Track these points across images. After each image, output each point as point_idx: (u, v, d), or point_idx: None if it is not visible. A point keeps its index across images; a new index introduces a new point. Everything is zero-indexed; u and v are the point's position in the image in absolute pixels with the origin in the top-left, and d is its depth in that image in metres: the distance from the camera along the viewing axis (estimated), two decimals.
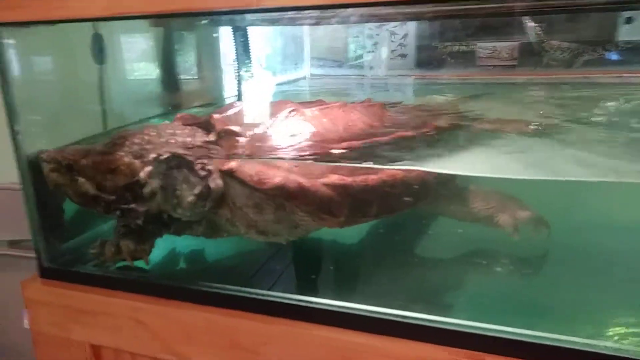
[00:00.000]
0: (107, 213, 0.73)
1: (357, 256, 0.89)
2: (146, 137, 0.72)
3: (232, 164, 0.69)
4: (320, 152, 0.73)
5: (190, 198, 0.69)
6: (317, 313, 0.64)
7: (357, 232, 0.88)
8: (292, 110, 0.79)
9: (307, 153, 0.72)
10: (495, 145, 0.77)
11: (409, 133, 0.79)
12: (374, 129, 0.81)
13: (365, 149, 0.74)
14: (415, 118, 0.90)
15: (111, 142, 0.73)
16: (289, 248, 0.82)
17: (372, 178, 0.72)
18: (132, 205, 0.71)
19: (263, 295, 0.68)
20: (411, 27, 1.31)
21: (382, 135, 0.78)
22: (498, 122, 0.88)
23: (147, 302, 0.72)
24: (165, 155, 0.69)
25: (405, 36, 1.32)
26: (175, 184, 0.70)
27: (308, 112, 0.80)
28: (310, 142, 0.74)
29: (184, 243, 0.87)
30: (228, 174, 0.70)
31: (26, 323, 1.33)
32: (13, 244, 1.35)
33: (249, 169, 0.69)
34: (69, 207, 0.84)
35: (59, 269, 0.81)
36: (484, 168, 0.73)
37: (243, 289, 0.68)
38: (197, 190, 0.69)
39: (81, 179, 0.71)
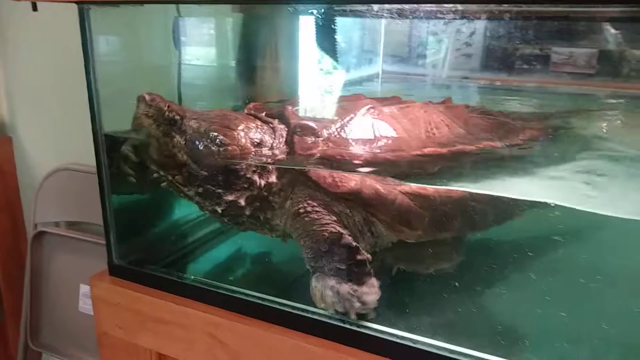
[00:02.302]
0: (184, 185, 0.67)
1: None
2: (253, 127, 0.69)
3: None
4: (399, 158, 0.68)
5: None
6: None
7: None
8: (370, 108, 0.73)
9: (384, 157, 0.67)
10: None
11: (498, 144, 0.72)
12: (458, 134, 0.75)
13: (449, 158, 0.68)
14: (503, 125, 0.80)
15: (226, 118, 0.68)
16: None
17: (457, 191, 0.67)
18: (220, 191, 0.66)
19: (361, 327, 0.59)
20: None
21: (467, 143, 0.71)
22: None
23: (227, 318, 0.65)
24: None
25: (472, 34, 1.23)
26: None
27: (386, 110, 0.74)
28: (388, 147, 0.69)
29: (278, 257, 0.82)
30: (300, 172, 0.67)
31: (81, 307, 1.31)
32: (71, 225, 1.34)
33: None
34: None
35: (131, 268, 0.76)
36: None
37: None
38: None
39: (178, 139, 0.66)
